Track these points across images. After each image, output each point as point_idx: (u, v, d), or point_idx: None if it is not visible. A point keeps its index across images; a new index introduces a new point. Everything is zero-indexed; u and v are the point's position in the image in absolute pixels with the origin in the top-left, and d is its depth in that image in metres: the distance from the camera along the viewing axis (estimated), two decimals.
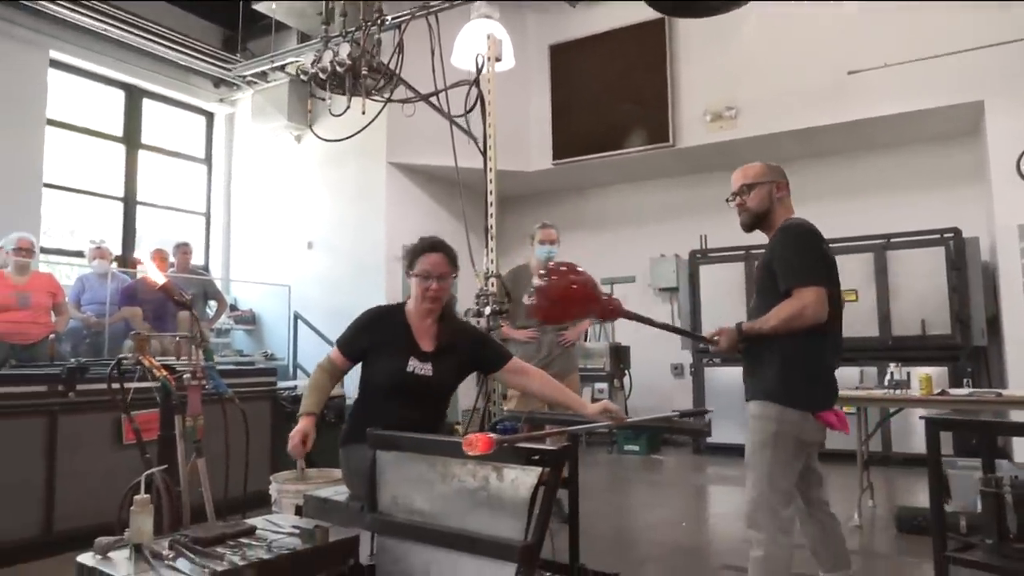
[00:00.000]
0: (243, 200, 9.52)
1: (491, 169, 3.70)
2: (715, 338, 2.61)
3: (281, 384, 5.70)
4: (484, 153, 3.74)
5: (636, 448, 7.84)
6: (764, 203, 2.65)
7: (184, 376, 2.78)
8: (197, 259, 8.52)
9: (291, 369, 8.32)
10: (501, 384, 3.54)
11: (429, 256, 2.78)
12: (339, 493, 2.81)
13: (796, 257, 2.46)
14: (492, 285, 3.59)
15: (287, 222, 9.05)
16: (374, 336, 2.77)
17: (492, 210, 3.68)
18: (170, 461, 2.73)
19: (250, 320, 8.98)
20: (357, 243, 8.49)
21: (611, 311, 2.51)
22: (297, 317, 8.48)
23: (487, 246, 3.68)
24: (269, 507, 3.41)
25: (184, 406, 2.77)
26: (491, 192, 3.70)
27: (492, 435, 1.83)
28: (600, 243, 9.34)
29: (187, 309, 2.83)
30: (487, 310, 3.42)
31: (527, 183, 9.23)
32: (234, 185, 9.62)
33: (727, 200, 2.75)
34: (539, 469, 1.96)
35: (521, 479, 1.98)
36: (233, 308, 8.84)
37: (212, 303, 7.22)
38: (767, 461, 2.46)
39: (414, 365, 2.73)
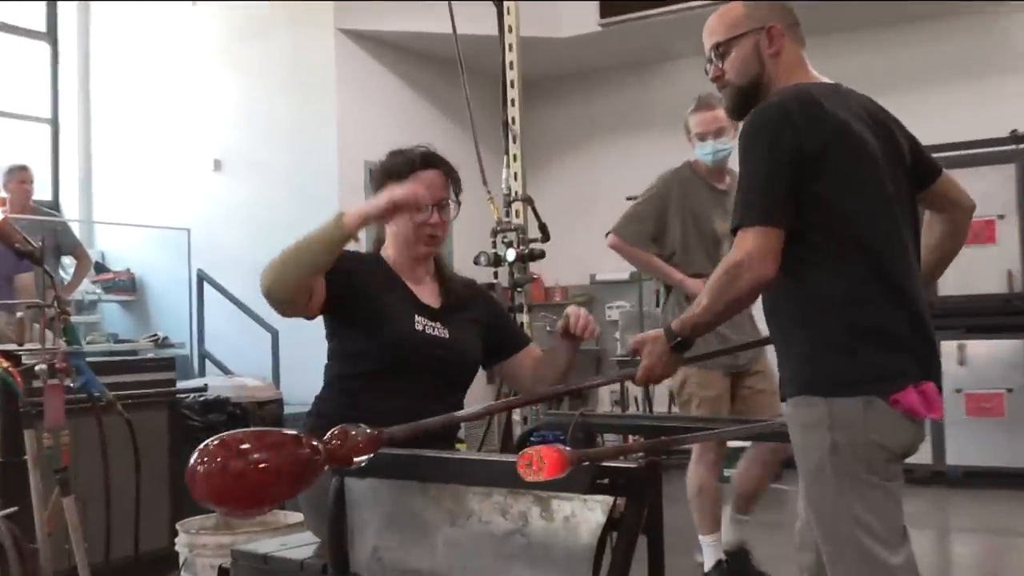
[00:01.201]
0: (109, 98, 9.49)
1: (511, 29, 3.65)
2: (637, 357, 2.44)
3: (182, 384, 5.75)
4: (500, 5, 3.68)
5: None
6: (750, 68, 2.45)
7: (38, 369, 2.76)
8: (41, 193, 8.52)
9: (195, 360, 8.38)
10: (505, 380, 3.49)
11: (421, 175, 2.78)
12: (285, 546, 2.83)
13: (746, 175, 2.32)
14: (518, 215, 3.57)
15: (180, 131, 9.02)
16: (356, 277, 2.75)
17: (514, 94, 3.64)
18: (20, 502, 2.74)
19: (128, 287, 9.01)
20: (293, 160, 8.46)
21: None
22: (202, 279, 8.49)
23: (507, 152, 3.65)
24: (176, 571, 3.45)
25: (39, 417, 2.76)
26: (511, 65, 3.66)
27: (563, 448, 1.78)
28: (670, 148, 9.12)
29: (37, 263, 2.82)
30: (510, 254, 3.39)
31: (557, 58, 9.14)
32: (94, 75, 9.59)
33: (705, 71, 2.58)
34: (610, 499, 1.94)
35: (581, 517, 1.96)
36: (100, 268, 8.87)
37: (67, 260, 7.24)
38: (832, 493, 2.29)
39: (423, 323, 2.75)
